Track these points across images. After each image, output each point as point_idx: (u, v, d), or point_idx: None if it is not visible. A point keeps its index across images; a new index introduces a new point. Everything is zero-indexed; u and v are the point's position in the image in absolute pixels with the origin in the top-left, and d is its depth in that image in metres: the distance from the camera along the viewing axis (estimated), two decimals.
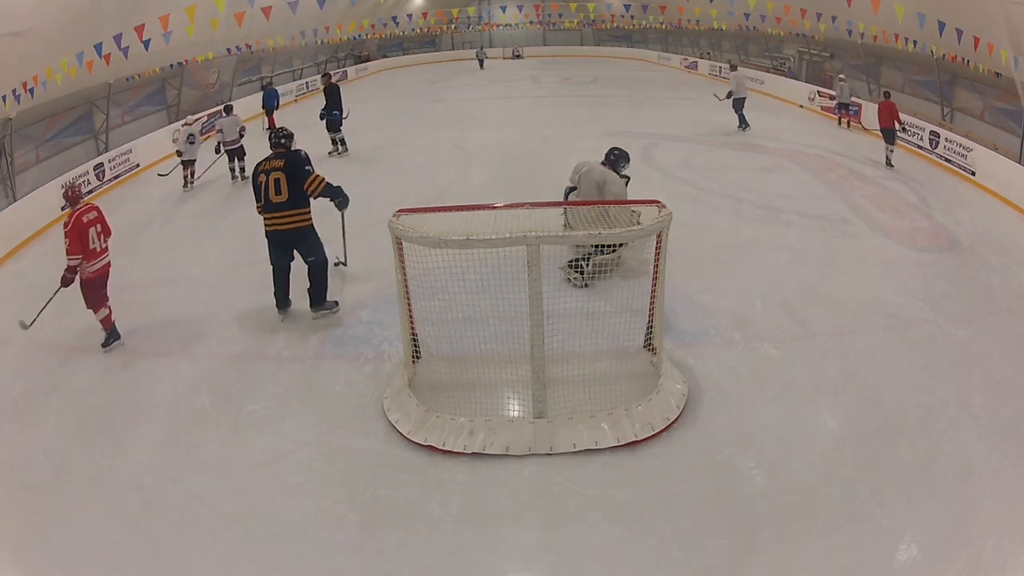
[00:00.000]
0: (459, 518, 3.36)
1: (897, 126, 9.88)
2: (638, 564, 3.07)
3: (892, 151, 9.94)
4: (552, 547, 3.20)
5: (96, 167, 10.02)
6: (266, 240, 5.22)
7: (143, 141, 11.62)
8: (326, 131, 10.64)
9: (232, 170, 10.01)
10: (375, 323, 5.29)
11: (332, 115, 10.40)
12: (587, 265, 5.52)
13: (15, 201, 8.81)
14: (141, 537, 3.28)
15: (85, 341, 5.28)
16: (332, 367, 4.75)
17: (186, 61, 14.00)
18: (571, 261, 5.74)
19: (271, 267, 5.32)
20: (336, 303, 5.51)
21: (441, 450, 3.76)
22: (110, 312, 5.07)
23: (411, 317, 4.33)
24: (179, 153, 9.70)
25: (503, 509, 3.41)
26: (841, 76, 13.86)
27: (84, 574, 3.12)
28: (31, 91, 8.92)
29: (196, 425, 4.16)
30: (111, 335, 5.06)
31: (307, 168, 5.06)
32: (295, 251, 5.26)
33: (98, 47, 9.63)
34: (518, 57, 29.32)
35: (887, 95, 10.33)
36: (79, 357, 5.05)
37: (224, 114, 10.13)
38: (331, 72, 10.85)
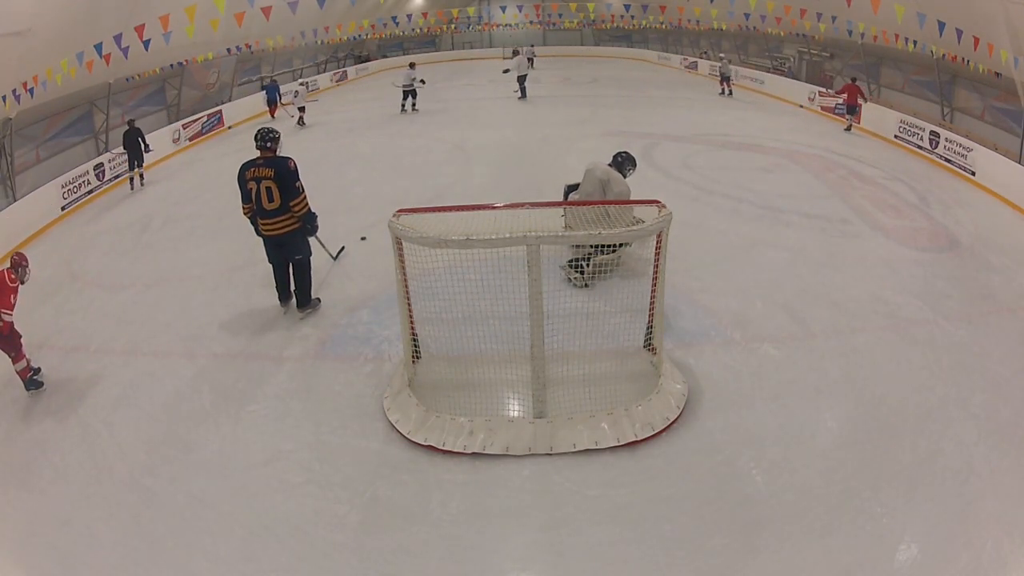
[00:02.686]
0: (459, 518, 3.36)
1: (860, 102, 12.36)
2: (638, 564, 3.07)
3: (852, 121, 12.57)
4: (552, 547, 3.20)
5: (96, 167, 10.02)
6: (261, 240, 5.37)
7: None
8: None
9: (403, 105, 15.29)
10: (375, 323, 5.30)
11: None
12: (587, 265, 5.53)
13: (15, 201, 8.82)
14: (141, 537, 3.29)
15: (85, 340, 5.28)
16: (332, 367, 4.75)
17: (186, 61, 14.00)
18: (571, 261, 5.75)
19: (270, 265, 5.47)
20: (318, 299, 5.68)
21: (441, 450, 3.76)
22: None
23: (411, 317, 4.33)
24: (298, 107, 14.56)
25: (503, 509, 3.41)
26: (722, 55, 18.86)
27: (84, 574, 3.12)
28: (31, 91, 8.91)
29: (196, 425, 4.16)
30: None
31: (296, 185, 5.15)
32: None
33: (98, 47, 9.62)
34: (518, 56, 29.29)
35: (854, 80, 12.70)
36: (79, 357, 5.05)
37: (409, 68, 15.56)
38: (133, 119, 10.65)
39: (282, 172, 5.07)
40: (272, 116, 15.39)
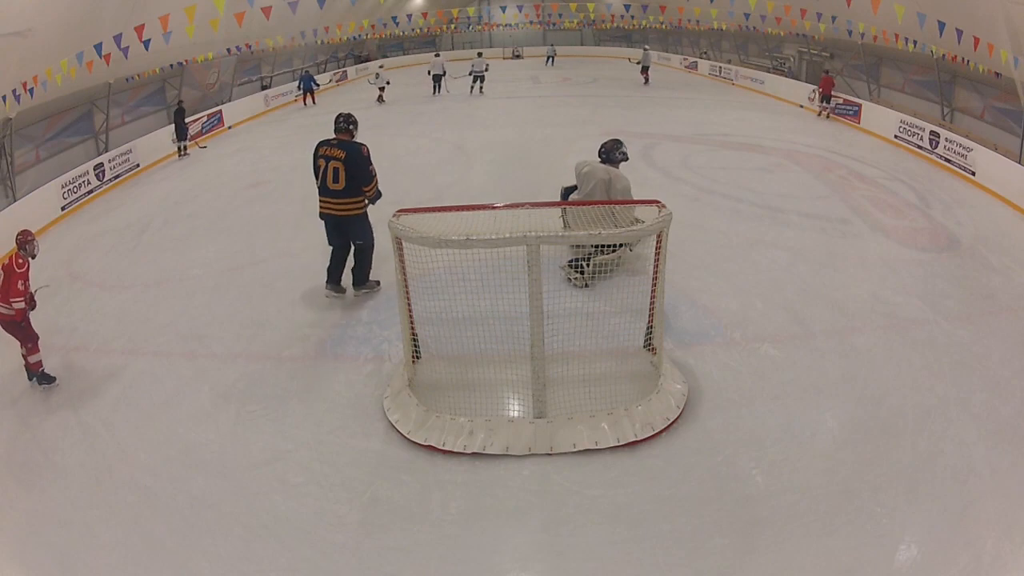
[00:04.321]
0: (459, 518, 3.36)
1: (832, 93, 13.80)
2: (638, 564, 3.07)
3: (827, 109, 13.88)
4: (552, 547, 3.20)
5: (96, 167, 10.03)
6: (321, 221, 5.45)
7: (143, 141, 11.63)
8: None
9: (472, 87, 18.25)
10: (375, 323, 5.29)
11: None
12: (588, 265, 5.53)
13: (15, 201, 8.81)
14: (141, 537, 3.29)
15: (85, 340, 5.28)
16: (332, 367, 4.75)
17: (186, 61, 13.99)
18: (571, 261, 5.75)
19: (330, 245, 5.54)
20: (378, 283, 5.75)
21: (441, 450, 3.76)
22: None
23: (411, 317, 4.33)
24: (379, 87, 17.53)
25: (503, 509, 3.41)
26: (645, 47, 20.70)
27: (84, 574, 3.12)
28: (31, 91, 8.90)
29: (196, 425, 4.16)
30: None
31: (370, 169, 5.26)
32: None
33: (98, 47, 9.62)
34: (518, 57, 29.35)
35: (827, 72, 14.26)
36: (79, 357, 5.05)
37: (478, 56, 19.05)
38: (182, 99, 13.00)
39: (354, 157, 5.17)
40: (305, 104, 17.60)
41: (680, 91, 18.47)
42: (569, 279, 5.67)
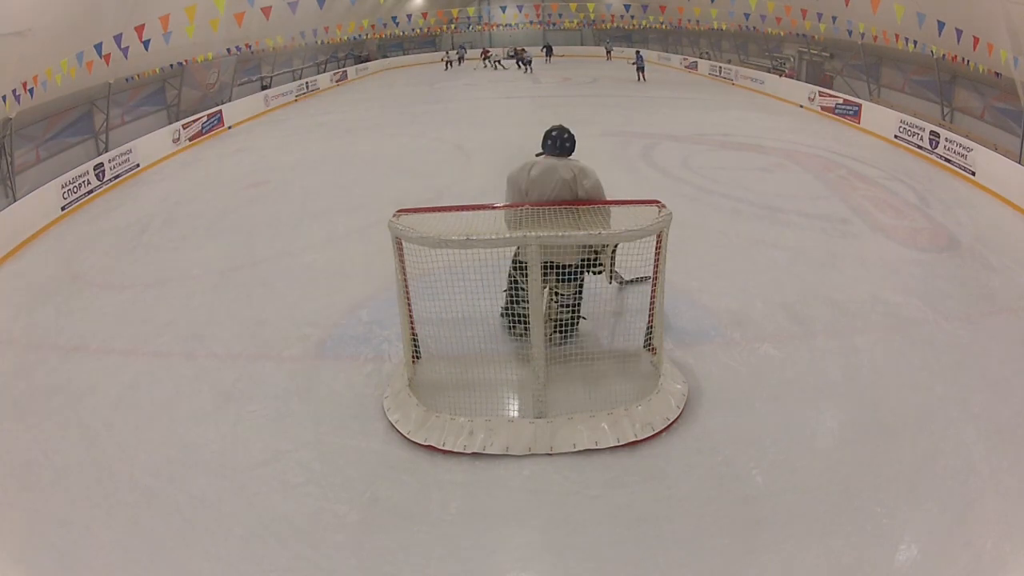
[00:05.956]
0: (459, 518, 3.36)
1: None
2: (638, 564, 3.07)
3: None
4: (552, 547, 3.20)
5: (96, 167, 10.02)
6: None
7: (143, 141, 11.63)
8: None
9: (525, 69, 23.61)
10: (375, 323, 5.29)
11: None
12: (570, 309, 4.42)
13: (15, 201, 8.81)
14: (141, 537, 3.29)
15: (85, 340, 5.28)
16: (332, 367, 4.75)
17: (186, 61, 14.00)
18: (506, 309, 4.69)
19: None
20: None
21: (441, 450, 3.76)
22: None
23: (411, 317, 4.33)
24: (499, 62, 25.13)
25: (503, 509, 3.41)
26: (638, 49, 23.33)
27: (84, 574, 3.12)
28: (31, 91, 8.91)
29: (196, 425, 4.16)
30: None
31: None
32: None
33: (98, 47, 9.63)
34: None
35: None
36: (79, 357, 5.05)
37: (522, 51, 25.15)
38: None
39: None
40: None
41: (680, 91, 18.47)
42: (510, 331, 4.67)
